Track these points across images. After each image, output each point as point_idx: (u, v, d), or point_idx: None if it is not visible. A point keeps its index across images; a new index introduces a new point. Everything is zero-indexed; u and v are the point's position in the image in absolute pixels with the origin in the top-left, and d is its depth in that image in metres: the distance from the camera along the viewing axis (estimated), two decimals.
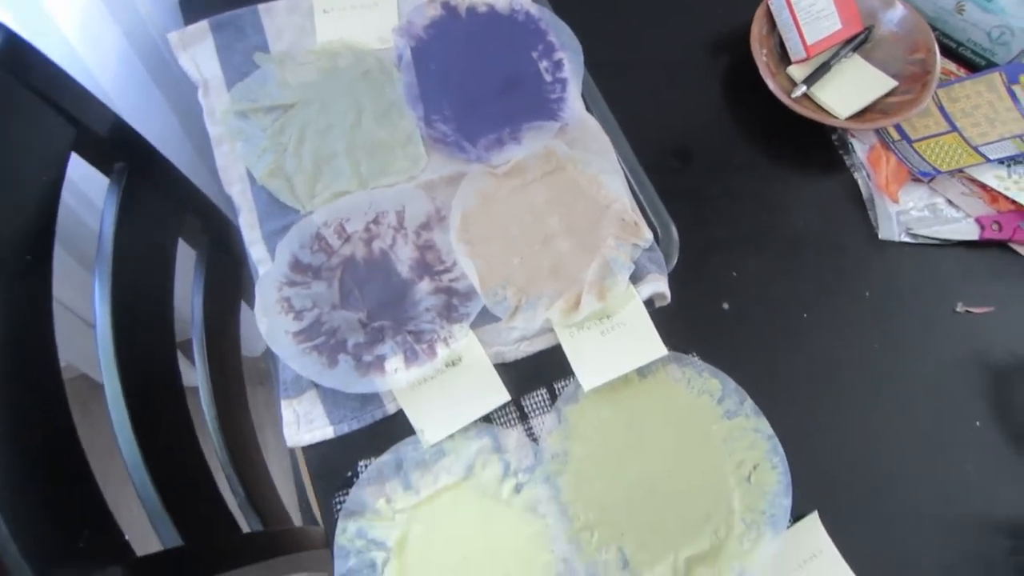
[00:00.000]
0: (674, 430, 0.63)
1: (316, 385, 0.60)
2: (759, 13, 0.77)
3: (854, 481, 0.64)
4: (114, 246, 0.61)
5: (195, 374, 0.73)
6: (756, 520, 0.60)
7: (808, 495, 0.61)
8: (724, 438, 0.63)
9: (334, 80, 0.69)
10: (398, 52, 0.71)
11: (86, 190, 0.73)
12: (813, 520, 0.61)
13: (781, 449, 0.62)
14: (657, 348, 0.63)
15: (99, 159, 0.62)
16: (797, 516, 0.61)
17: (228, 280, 0.83)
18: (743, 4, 0.80)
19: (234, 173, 0.65)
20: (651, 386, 0.65)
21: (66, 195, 0.73)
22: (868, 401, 0.67)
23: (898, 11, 0.79)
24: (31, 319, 0.51)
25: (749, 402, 0.64)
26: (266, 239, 0.63)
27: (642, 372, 0.64)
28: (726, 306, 0.69)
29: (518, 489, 0.60)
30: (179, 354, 0.69)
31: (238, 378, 0.85)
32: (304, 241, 0.63)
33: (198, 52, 0.68)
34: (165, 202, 0.69)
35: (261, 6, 0.71)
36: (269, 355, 0.82)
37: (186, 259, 0.74)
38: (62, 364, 0.52)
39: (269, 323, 0.60)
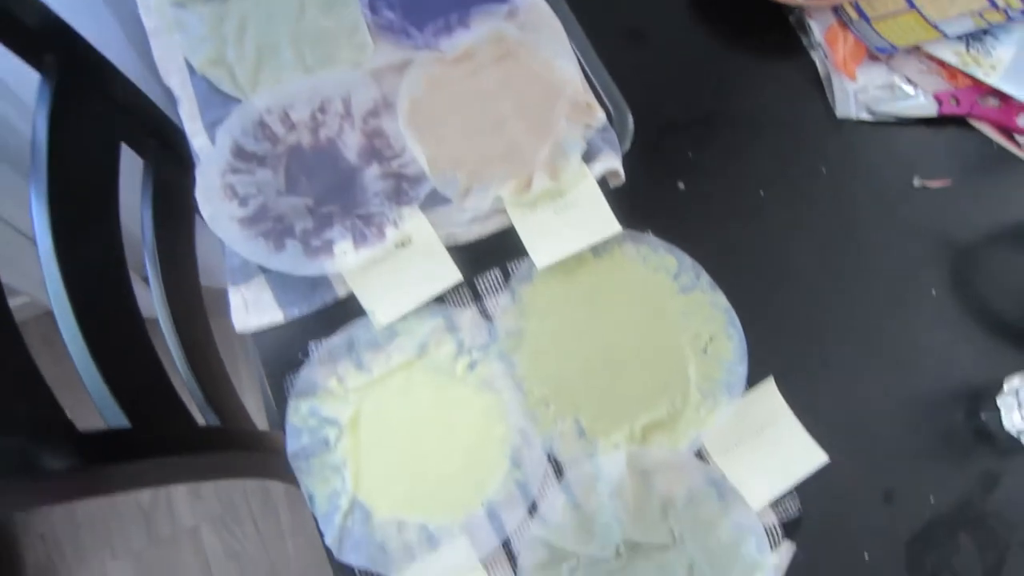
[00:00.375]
0: (630, 306, 0.63)
1: (264, 272, 0.59)
2: None
3: (810, 351, 0.64)
4: (49, 149, 0.59)
5: (149, 299, 0.72)
6: (712, 389, 0.61)
7: (765, 365, 0.61)
8: (681, 312, 0.63)
9: None
10: None
11: (18, 92, 0.72)
12: (768, 385, 0.61)
13: (737, 321, 0.62)
14: (611, 225, 0.63)
15: (27, 51, 0.60)
16: (752, 385, 0.61)
17: (180, 190, 0.81)
18: None
19: (172, 64, 0.64)
20: (606, 264, 0.64)
21: None
22: (824, 274, 0.66)
23: None
24: None
25: (705, 277, 0.64)
26: (207, 128, 0.62)
27: (597, 251, 0.64)
28: (681, 186, 0.68)
29: (472, 366, 0.60)
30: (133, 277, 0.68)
31: (194, 288, 0.84)
32: (247, 128, 0.62)
33: None
34: (104, 102, 0.68)
35: None
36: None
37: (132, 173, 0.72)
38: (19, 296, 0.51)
39: (212, 208, 0.59)
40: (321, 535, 0.55)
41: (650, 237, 0.65)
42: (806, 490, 0.58)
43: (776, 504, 0.58)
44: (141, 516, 1.35)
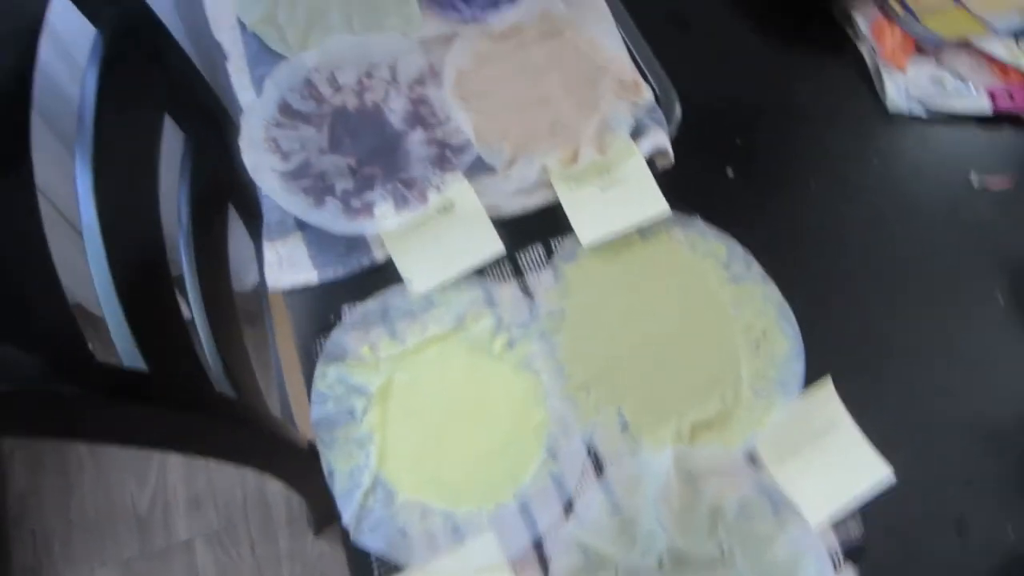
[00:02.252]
0: (678, 293, 0.60)
1: (301, 229, 0.57)
2: None
3: (868, 355, 0.60)
4: (97, 110, 0.56)
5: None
6: (765, 387, 0.57)
7: (821, 365, 0.57)
8: (731, 302, 0.60)
9: None
10: None
11: (74, 53, 0.70)
12: (826, 386, 0.56)
13: (792, 315, 0.59)
14: (659, 205, 0.61)
15: (87, 3, 0.59)
16: (808, 384, 0.57)
17: (218, 172, 0.80)
18: None
19: (224, 20, 0.63)
20: (653, 247, 0.62)
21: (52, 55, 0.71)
22: (880, 272, 0.63)
23: None
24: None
25: (757, 267, 0.61)
26: (255, 83, 0.61)
27: (644, 233, 0.61)
28: (730, 173, 0.66)
29: (511, 344, 0.57)
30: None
31: (225, 276, 0.82)
32: (294, 85, 0.60)
33: None
34: (155, 66, 0.66)
35: None
36: (261, 291, 0.78)
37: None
38: None
39: (255, 157, 0.57)
40: (338, 516, 0.51)
41: (699, 222, 0.62)
42: (866, 511, 0.52)
43: (837, 525, 0.52)
44: (136, 523, 1.30)
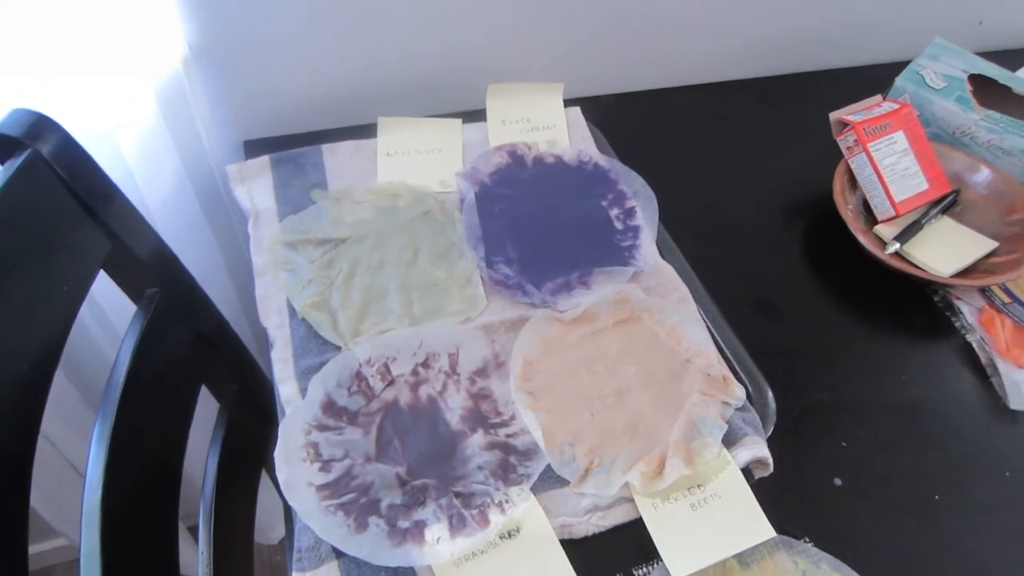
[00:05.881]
0: None
1: (337, 556, 0.48)
2: (839, 170, 0.74)
3: None
4: (127, 379, 0.53)
5: (195, 555, 0.62)
6: None
7: None
8: None
9: (391, 218, 0.65)
10: (461, 195, 0.68)
11: (109, 315, 0.67)
12: None
13: None
14: (762, 528, 0.51)
15: (130, 282, 0.57)
16: None
17: (251, 443, 0.74)
18: (817, 162, 0.77)
19: (273, 305, 0.59)
20: None
21: (85, 313, 0.68)
22: None
23: (983, 174, 0.74)
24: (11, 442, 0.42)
25: None
26: (299, 377, 0.55)
27: (744, 559, 0.51)
28: (838, 481, 0.56)
29: None
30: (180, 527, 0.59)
31: (247, 564, 0.72)
32: (342, 379, 0.54)
33: (254, 185, 0.66)
34: (194, 340, 0.62)
35: (325, 146, 0.69)
36: (287, 544, 0.70)
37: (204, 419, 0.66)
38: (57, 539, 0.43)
39: (290, 471, 0.49)
40: None
41: (809, 547, 0.52)
42: None
43: None
44: None
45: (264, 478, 0.80)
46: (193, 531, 0.63)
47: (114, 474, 0.50)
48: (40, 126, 0.48)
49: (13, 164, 0.46)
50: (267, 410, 0.77)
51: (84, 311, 0.69)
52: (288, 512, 0.83)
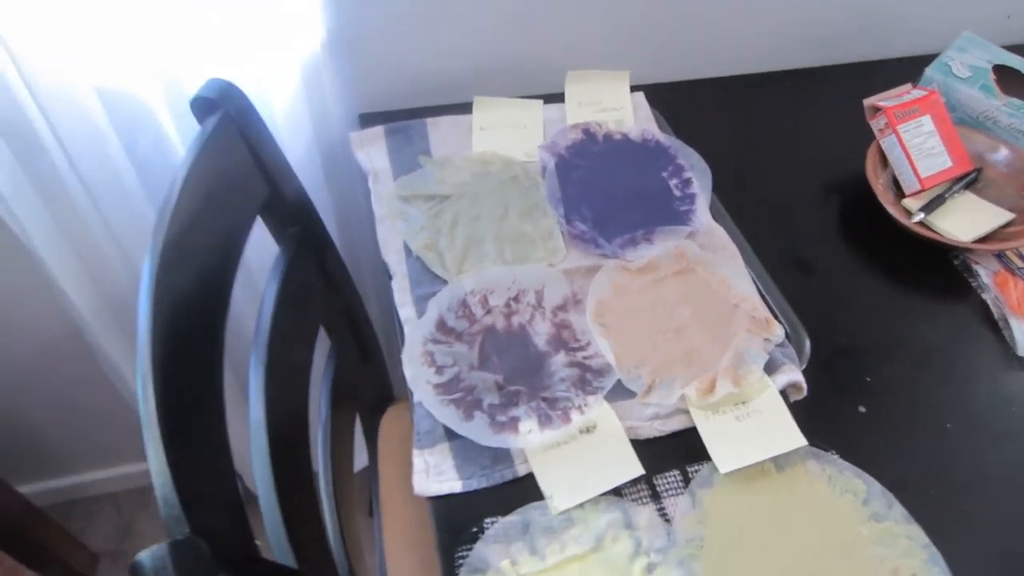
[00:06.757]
0: (818, 527, 0.59)
1: (449, 440, 0.60)
2: (872, 150, 0.83)
3: None
4: (274, 316, 0.63)
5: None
6: None
7: None
8: (874, 541, 0.58)
9: (485, 180, 0.77)
10: (542, 164, 0.80)
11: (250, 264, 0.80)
12: None
13: (943, 561, 0.57)
14: (795, 438, 0.62)
15: (278, 223, 0.69)
16: None
17: (351, 380, 0.85)
18: (852, 145, 0.87)
19: (392, 245, 0.71)
20: (790, 479, 0.62)
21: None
22: None
23: (1003, 153, 0.83)
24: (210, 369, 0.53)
25: (898, 506, 0.60)
26: (415, 302, 0.67)
27: (779, 464, 0.62)
28: (863, 409, 0.67)
29: (650, 569, 0.56)
30: None
31: (350, 474, 0.85)
32: (452, 304, 0.67)
33: (372, 150, 0.78)
34: (321, 278, 0.75)
35: (429, 119, 0.82)
36: (371, 483, 0.80)
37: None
38: None
39: (413, 371, 0.62)
40: None
41: (835, 458, 0.63)
42: None
43: None
44: None
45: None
46: None
47: (272, 417, 0.59)
48: (229, 91, 0.61)
49: (210, 122, 0.59)
50: (367, 350, 0.90)
51: None
52: (371, 447, 0.96)
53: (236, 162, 0.61)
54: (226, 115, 0.60)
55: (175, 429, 0.42)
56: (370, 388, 0.95)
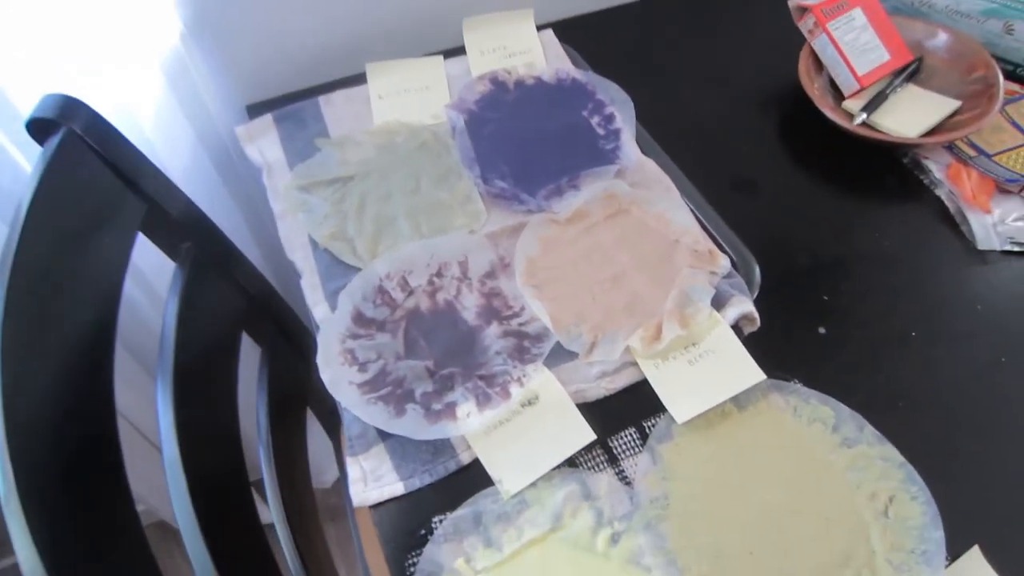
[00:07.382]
0: (788, 462, 0.55)
1: (383, 440, 0.56)
2: (803, 54, 0.78)
3: (1012, 512, 0.54)
4: (177, 335, 0.59)
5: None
6: (905, 560, 0.51)
7: (961, 530, 0.51)
8: (848, 467, 0.55)
9: (391, 154, 0.71)
10: (451, 124, 0.74)
11: (150, 280, 0.75)
12: (975, 556, 0.50)
13: (919, 477, 0.53)
14: (753, 373, 0.57)
15: (167, 241, 0.63)
16: (954, 555, 0.51)
17: (294, 380, 0.81)
18: (782, 52, 0.81)
19: (296, 241, 0.66)
20: (753, 417, 0.58)
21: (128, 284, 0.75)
22: (1011, 420, 0.57)
23: (942, 37, 0.78)
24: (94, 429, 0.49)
25: (869, 428, 0.56)
26: (328, 298, 0.62)
27: (740, 403, 0.58)
28: (822, 330, 0.62)
29: (615, 539, 0.52)
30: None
31: (307, 486, 0.80)
32: (367, 294, 0.61)
33: (263, 142, 0.72)
34: (230, 288, 0.69)
35: (321, 97, 0.75)
36: (343, 486, 0.77)
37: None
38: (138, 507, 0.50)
39: (332, 373, 0.57)
40: None
41: (798, 387, 0.58)
42: None
43: None
44: None
45: (310, 423, 0.87)
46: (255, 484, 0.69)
47: (186, 435, 0.54)
48: (70, 106, 0.54)
49: (52, 144, 0.53)
50: (304, 348, 0.85)
51: (131, 283, 0.76)
52: (339, 453, 0.92)
53: (93, 181, 0.55)
54: (70, 133, 0.53)
55: (49, 509, 0.37)
56: (323, 391, 0.90)
